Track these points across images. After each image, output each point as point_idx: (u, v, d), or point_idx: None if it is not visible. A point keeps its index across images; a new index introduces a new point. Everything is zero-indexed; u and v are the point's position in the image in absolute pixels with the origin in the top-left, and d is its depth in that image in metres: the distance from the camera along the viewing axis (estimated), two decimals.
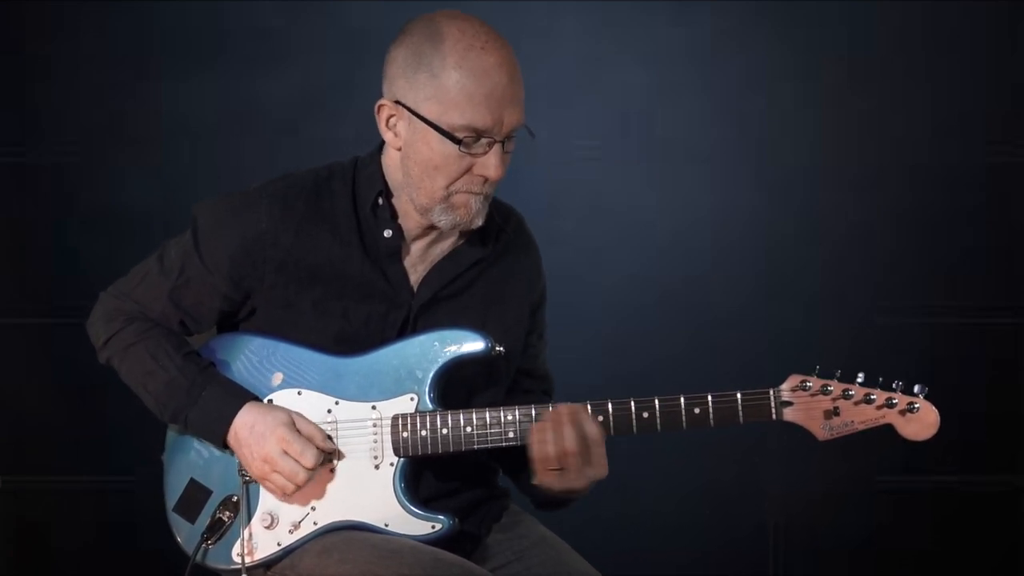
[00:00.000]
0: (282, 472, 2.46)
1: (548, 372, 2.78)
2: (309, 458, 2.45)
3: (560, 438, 2.41)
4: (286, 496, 2.50)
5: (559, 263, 2.90)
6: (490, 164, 2.45)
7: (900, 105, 3.96)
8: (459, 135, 2.42)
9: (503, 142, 2.44)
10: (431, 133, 2.43)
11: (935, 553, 4.00)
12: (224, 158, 3.92)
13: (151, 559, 3.18)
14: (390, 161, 2.54)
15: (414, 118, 2.45)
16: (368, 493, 2.49)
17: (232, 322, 2.61)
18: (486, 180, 2.47)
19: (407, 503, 2.48)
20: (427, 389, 2.49)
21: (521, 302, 2.66)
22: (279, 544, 2.50)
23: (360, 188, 2.56)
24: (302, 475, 2.46)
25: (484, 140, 2.43)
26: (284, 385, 2.53)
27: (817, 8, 3.96)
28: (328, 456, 2.49)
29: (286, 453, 2.45)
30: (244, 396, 2.51)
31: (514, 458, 2.57)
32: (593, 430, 2.42)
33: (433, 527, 2.47)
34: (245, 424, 2.48)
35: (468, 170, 2.46)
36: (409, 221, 2.54)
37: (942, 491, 3.95)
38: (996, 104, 3.94)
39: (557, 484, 2.45)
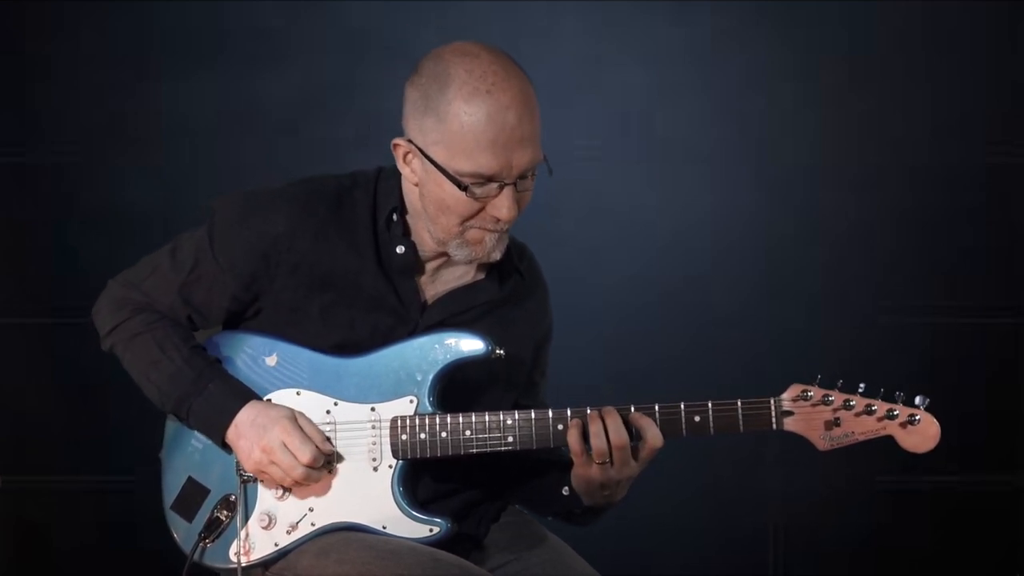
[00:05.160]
0: (279, 464, 2.45)
1: (545, 404, 2.74)
2: (307, 454, 2.44)
3: (614, 432, 2.40)
4: (283, 494, 2.49)
5: (559, 263, 2.90)
6: (502, 207, 2.43)
7: (900, 105, 3.96)
8: (466, 181, 2.40)
9: (515, 183, 2.42)
10: (441, 175, 2.42)
11: (935, 553, 4.00)
12: (224, 158, 3.92)
13: (151, 559, 3.17)
14: (409, 182, 2.52)
15: (425, 159, 2.43)
16: (366, 495, 2.48)
17: (238, 320, 2.60)
18: (499, 220, 2.45)
19: (405, 506, 2.47)
20: (427, 392, 2.48)
21: (526, 344, 2.64)
22: (276, 545, 2.50)
23: (380, 201, 2.54)
24: (298, 471, 2.45)
25: (494, 184, 2.41)
26: (279, 374, 2.52)
27: (817, 8, 3.96)
28: (326, 460, 2.48)
29: (285, 446, 2.45)
30: (248, 394, 2.51)
31: (527, 485, 2.61)
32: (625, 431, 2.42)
33: (431, 530, 2.47)
34: (247, 418, 2.48)
35: (481, 210, 2.44)
36: (423, 241, 2.53)
37: (942, 491, 3.95)
38: (996, 104, 3.94)
39: (600, 476, 2.44)
